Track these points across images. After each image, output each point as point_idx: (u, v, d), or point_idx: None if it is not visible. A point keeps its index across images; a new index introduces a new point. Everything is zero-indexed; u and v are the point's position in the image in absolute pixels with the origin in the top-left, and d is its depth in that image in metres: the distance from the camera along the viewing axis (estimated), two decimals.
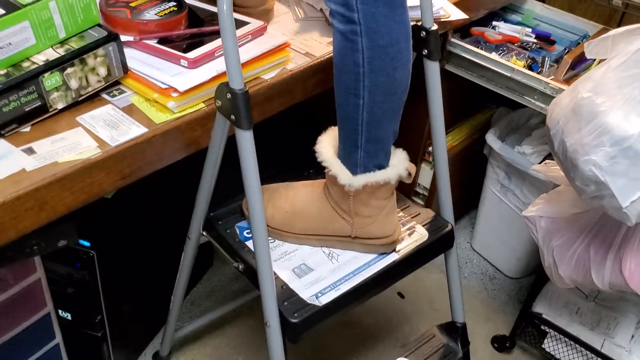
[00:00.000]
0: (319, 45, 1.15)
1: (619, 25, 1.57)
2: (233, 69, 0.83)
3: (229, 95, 0.84)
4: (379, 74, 0.90)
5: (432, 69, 1.07)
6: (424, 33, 1.04)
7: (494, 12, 1.60)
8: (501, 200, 1.66)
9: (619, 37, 1.05)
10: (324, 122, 1.07)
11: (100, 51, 0.91)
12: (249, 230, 1.10)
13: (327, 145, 1.02)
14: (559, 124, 1.07)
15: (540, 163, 1.50)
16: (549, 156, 1.49)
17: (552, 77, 1.41)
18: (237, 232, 1.10)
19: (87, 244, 1.14)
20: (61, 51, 0.88)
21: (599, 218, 1.18)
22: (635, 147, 0.95)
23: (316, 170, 1.17)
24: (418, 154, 1.66)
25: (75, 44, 0.90)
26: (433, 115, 1.11)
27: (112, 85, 0.95)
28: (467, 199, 1.83)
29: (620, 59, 1.02)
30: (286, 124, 1.43)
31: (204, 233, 1.12)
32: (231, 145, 0.92)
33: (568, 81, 1.40)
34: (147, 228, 1.34)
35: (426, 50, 1.05)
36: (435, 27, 1.04)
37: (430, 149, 1.66)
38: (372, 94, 0.92)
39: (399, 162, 1.01)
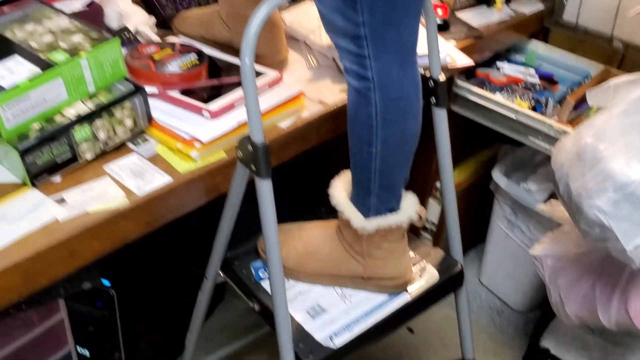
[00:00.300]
0: (332, 93, 1.20)
1: (619, 66, 1.62)
2: (254, 123, 0.88)
3: (250, 148, 0.89)
4: (391, 125, 0.95)
5: (440, 117, 1.11)
6: (432, 83, 1.09)
7: (499, 52, 1.66)
8: (508, 236, 1.69)
9: (620, 85, 1.09)
10: (335, 161, 1.11)
11: (127, 103, 0.96)
12: (263, 270, 1.14)
13: (340, 189, 1.06)
14: (564, 168, 1.11)
15: (545, 200, 1.54)
16: (554, 194, 1.53)
17: (556, 117, 1.46)
18: (253, 272, 1.14)
19: (107, 283, 1.18)
20: (90, 104, 0.94)
21: (604, 257, 1.21)
22: (638, 193, 0.99)
23: (328, 209, 1.21)
24: (426, 189, 1.70)
25: (103, 98, 0.95)
26: (442, 160, 1.16)
27: (137, 134, 1.00)
28: (474, 233, 1.86)
29: (622, 107, 1.07)
30: (299, 163, 1.47)
31: (221, 273, 1.16)
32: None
33: (571, 122, 1.44)
34: (165, 267, 1.38)
35: (434, 99, 1.10)
36: (443, 78, 1.09)
37: (437, 184, 1.71)
38: (384, 144, 0.96)
39: (409, 206, 1.05)
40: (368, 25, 0.87)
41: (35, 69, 0.89)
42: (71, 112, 0.92)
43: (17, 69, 0.89)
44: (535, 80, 1.58)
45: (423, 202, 1.74)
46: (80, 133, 0.91)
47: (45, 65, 0.89)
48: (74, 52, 0.92)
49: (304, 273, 1.11)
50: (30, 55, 0.91)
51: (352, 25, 0.88)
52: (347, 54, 0.92)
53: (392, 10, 0.87)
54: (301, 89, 1.14)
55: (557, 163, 1.14)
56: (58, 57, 0.91)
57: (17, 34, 0.96)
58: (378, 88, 0.91)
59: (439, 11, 1.45)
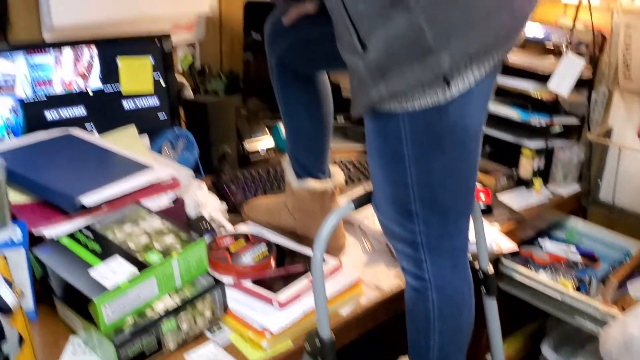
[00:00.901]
0: (387, 278, 1.30)
1: None
2: (322, 320, 0.98)
3: (318, 343, 0.98)
4: (448, 319, 1.03)
5: (491, 305, 1.19)
6: (481, 274, 1.19)
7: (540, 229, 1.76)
8: None
9: None
10: (386, 339, 1.17)
11: (207, 296, 1.07)
12: None
13: None
14: (612, 355, 1.16)
15: None
16: None
17: (600, 297, 1.51)
18: None
19: None
20: (177, 298, 1.05)
21: None
22: None
23: None
24: None
25: (188, 292, 1.07)
26: (493, 342, 1.22)
27: (214, 323, 1.11)
28: None
29: None
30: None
31: None
32: None
33: (616, 302, 1.49)
34: None
35: (484, 289, 1.19)
36: (491, 270, 1.18)
37: (487, 356, 1.73)
38: (441, 335, 1.04)
39: None
40: (424, 234, 0.99)
41: (133, 270, 1.02)
42: (160, 307, 1.03)
43: (118, 269, 1.02)
44: (577, 258, 1.65)
45: None
46: (167, 325, 1.02)
47: (142, 266, 1.02)
48: (166, 252, 1.06)
49: None
50: (129, 256, 1.05)
51: (409, 234, 1.00)
52: (404, 256, 1.03)
53: (446, 222, 0.99)
54: (359, 275, 1.24)
55: (605, 350, 1.18)
56: (153, 258, 1.04)
57: (117, 235, 1.11)
58: (434, 287, 1.01)
59: (482, 196, 1.58)
